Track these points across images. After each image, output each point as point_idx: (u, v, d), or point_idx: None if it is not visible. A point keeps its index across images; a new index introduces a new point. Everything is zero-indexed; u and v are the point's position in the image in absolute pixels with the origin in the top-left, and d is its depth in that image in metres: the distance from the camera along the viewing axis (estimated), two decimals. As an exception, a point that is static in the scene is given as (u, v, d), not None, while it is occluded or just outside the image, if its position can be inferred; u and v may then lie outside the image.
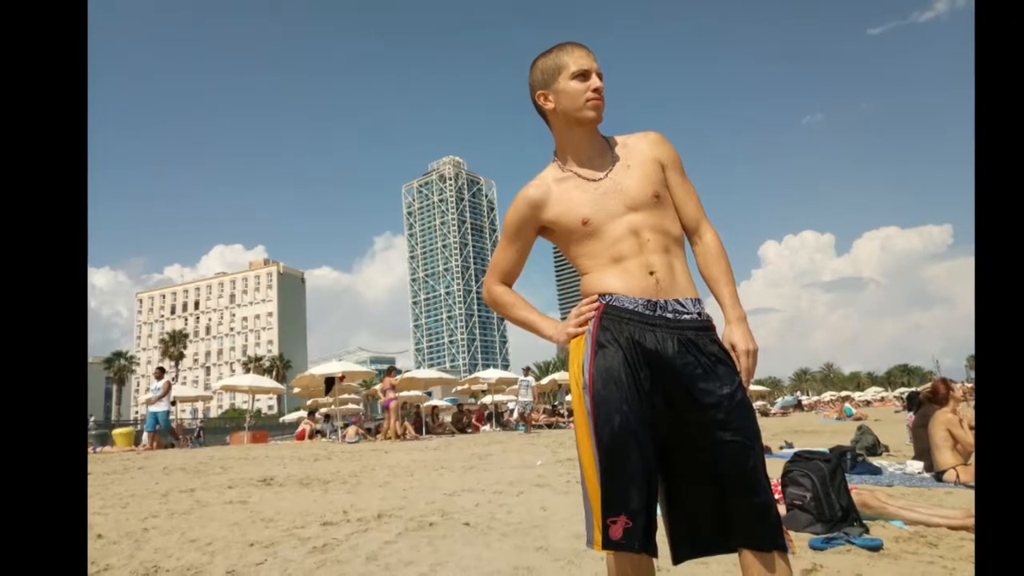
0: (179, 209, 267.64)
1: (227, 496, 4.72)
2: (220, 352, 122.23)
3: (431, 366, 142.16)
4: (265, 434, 16.40)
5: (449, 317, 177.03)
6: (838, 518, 3.12)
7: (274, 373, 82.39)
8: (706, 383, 1.36)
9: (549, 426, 17.21)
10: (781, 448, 8.14)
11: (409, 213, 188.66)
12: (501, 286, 1.64)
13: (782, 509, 3.31)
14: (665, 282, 1.43)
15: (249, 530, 3.43)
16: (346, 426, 14.38)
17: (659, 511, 1.36)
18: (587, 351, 1.41)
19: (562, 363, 56.06)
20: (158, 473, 6.58)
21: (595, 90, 1.48)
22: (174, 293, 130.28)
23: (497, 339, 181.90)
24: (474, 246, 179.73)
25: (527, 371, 16.50)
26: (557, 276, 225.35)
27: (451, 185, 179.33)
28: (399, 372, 16.05)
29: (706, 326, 1.43)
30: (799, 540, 2.89)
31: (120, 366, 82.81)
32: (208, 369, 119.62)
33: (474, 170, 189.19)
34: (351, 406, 22.51)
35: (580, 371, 1.41)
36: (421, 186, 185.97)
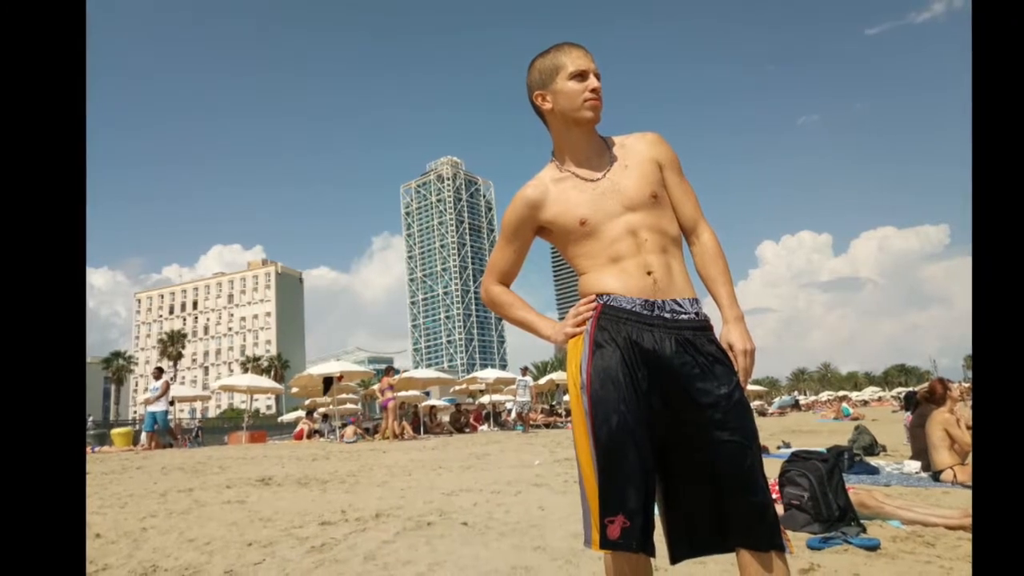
0: (177, 209, 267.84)
1: (225, 496, 4.72)
2: (218, 352, 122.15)
3: (429, 366, 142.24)
4: (263, 434, 16.38)
5: (447, 317, 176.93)
6: (835, 518, 3.13)
7: (272, 373, 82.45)
8: (704, 383, 1.36)
9: (547, 426, 17.20)
10: (778, 448, 8.16)
11: (407, 213, 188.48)
12: (499, 286, 1.64)
13: (780, 509, 3.32)
14: (663, 282, 1.43)
15: (247, 530, 3.43)
16: (344, 426, 14.34)
17: (657, 511, 1.37)
18: (585, 351, 1.41)
19: (560, 363, 56.02)
20: (156, 473, 6.57)
21: (593, 90, 1.48)
22: (172, 293, 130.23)
23: (495, 339, 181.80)
24: (472, 246, 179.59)
25: (525, 371, 16.58)
26: (555, 276, 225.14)
27: (449, 185, 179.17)
28: (397, 372, 16.02)
29: (704, 326, 1.43)
30: (797, 540, 2.90)
31: (118, 366, 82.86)
32: (206, 369, 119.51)
33: (472, 170, 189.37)
34: (349, 406, 22.50)
35: (578, 371, 1.41)
36: (419, 186, 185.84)
